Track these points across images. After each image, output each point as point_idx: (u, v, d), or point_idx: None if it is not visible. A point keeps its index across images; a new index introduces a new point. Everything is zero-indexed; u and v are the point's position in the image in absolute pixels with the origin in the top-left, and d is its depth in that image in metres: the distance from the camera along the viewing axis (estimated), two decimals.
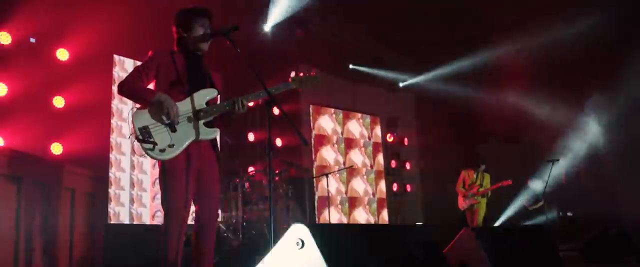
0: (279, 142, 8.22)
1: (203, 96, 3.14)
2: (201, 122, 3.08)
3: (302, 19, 8.18)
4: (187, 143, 3.00)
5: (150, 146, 2.90)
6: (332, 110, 9.43)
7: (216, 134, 3.14)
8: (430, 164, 10.26)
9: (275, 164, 6.61)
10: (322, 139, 9.12)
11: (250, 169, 6.55)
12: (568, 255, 6.51)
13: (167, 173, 2.95)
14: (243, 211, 5.87)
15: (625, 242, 5.82)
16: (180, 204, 2.94)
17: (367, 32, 8.98)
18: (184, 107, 3.05)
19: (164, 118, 2.97)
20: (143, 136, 2.92)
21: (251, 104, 8.01)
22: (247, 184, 6.16)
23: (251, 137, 8.11)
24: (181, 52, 3.20)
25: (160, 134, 2.96)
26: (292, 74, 3.32)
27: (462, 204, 7.98)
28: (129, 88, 3.01)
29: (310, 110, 9.05)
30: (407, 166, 10.69)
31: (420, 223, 10.11)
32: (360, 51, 9.48)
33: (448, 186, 9.41)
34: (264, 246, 5.66)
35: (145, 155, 2.94)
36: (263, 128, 8.03)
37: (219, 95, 3.26)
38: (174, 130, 2.98)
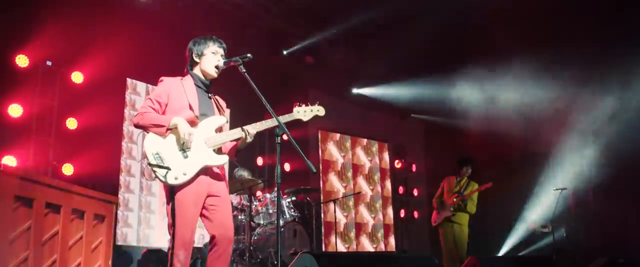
0: (287, 167, 8.26)
1: (212, 123, 3.20)
2: (211, 149, 3.13)
3: (312, 46, 8.29)
4: (198, 169, 3.04)
5: (164, 171, 2.94)
6: (341, 136, 9.48)
7: (226, 161, 3.19)
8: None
9: (283, 189, 6.63)
10: (330, 165, 9.15)
11: (258, 193, 6.58)
12: None
13: (177, 200, 2.98)
14: (250, 235, 5.88)
15: None
16: (188, 230, 2.98)
17: (376, 60, 9.06)
18: (195, 134, 3.10)
19: (181, 141, 3.02)
20: (157, 161, 2.96)
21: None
22: (254, 209, 6.18)
23: (260, 161, 8.16)
24: (191, 79, 3.26)
25: (173, 160, 3.01)
26: (296, 106, 3.37)
27: (434, 218, 6.74)
28: (144, 118, 3.07)
29: (319, 136, 9.11)
30: (415, 193, 10.67)
31: (426, 251, 10.03)
32: (369, 78, 9.55)
33: None
34: None
35: (156, 180, 2.98)
36: (272, 153, 8.08)
37: (227, 124, 3.32)
38: (186, 155, 3.04)
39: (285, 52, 8.11)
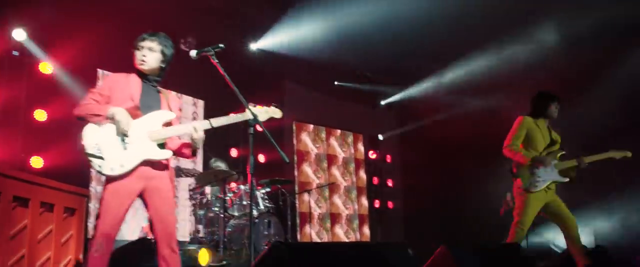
0: (261, 158, 8.24)
1: (159, 117, 3.18)
2: (154, 143, 3.11)
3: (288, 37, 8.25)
4: (137, 163, 3.04)
5: (100, 161, 2.96)
6: (315, 127, 9.50)
7: (167, 156, 3.18)
8: (413, 182, 10.34)
9: (257, 181, 6.62)
10: (305, 156, 9.17)
11: (232, 184, 6.55)
12: None
13: (108, 189, 3.01)
14: (224, 226, 5.87)
15: (603, 260, 5.81)
16: (112, 224, 2.98)
17: (349, 50, 9.07)
18: (137, 126, 3.09)
19: (118, 130, 3.01)
20: (94, 151, 2.96)
21: None
22: (228, 200, 6.16)
23: (234, 153, 8.13)
24: (137, 74, 3.27)
25: (112, 151, 3.01)
26: (251, 106, 3.29)
27: (527, 181, 4.55)
28: (83, 109, 3.08)
29: (294, 127, 9.11)
30: (389, 183, 10.77)
31: (400, 241, 10.15)
32: (345, 69, 9.57)
33: (430, 203, 9.47)
34: (244, 263, 5.67)
35: (95, 171, 2.98)
36: (246, 144, 8.05)
37: (175, 118, 3.28)
38: (126, 147, 3.02)
39: (254, 48, 8.05)
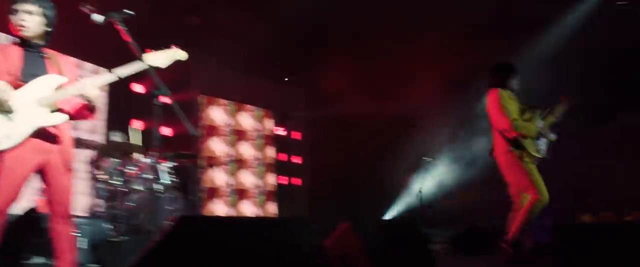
0: (166, 131, 8.01)
1: (48, 82, 2.99)
2: (46, 109, 2.94)
3: (198, 5, 8.02)
4: (27, 132, 2.87)
5: None
6: (225, 101, 9.36)
7: (61, 120, 3.00)
8: (319, 159, 10.52)
9: (162, 154, 6.44)
10: (212, 130, 9.04)
11: (135, 156, 6.33)
12: (436, 249, 6.96)
13: (1, 167, 2.81)
14: (125, 201, 5.67)
15: (488, 239, 6.24)
16: (5, 199, 2.81)
17: (265, 25, 8.99)
18: (21, 95, 2.89)
19: None
20: None
21: (142, 90, 7.73)
22: (130, 174, 5.95)
23: (138, 125, 7.82)
24: (19, 41, 3.03)
25: None
26: (147, 52, 3.11)
27: (534, 151, 4.54)
28: None
29: (201, 100, 8.93)
30: (296, 160, 10.89)
31: (304, 216, 10.34)
32: (256, 43, 9.46)
33: (335, 181, 9.70)
34: (146, 238, 5.53)
35: None
36: (151, 116, 7.76)
37: (69, 81, 3.09)
38: (10, 118, 2.84)
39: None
